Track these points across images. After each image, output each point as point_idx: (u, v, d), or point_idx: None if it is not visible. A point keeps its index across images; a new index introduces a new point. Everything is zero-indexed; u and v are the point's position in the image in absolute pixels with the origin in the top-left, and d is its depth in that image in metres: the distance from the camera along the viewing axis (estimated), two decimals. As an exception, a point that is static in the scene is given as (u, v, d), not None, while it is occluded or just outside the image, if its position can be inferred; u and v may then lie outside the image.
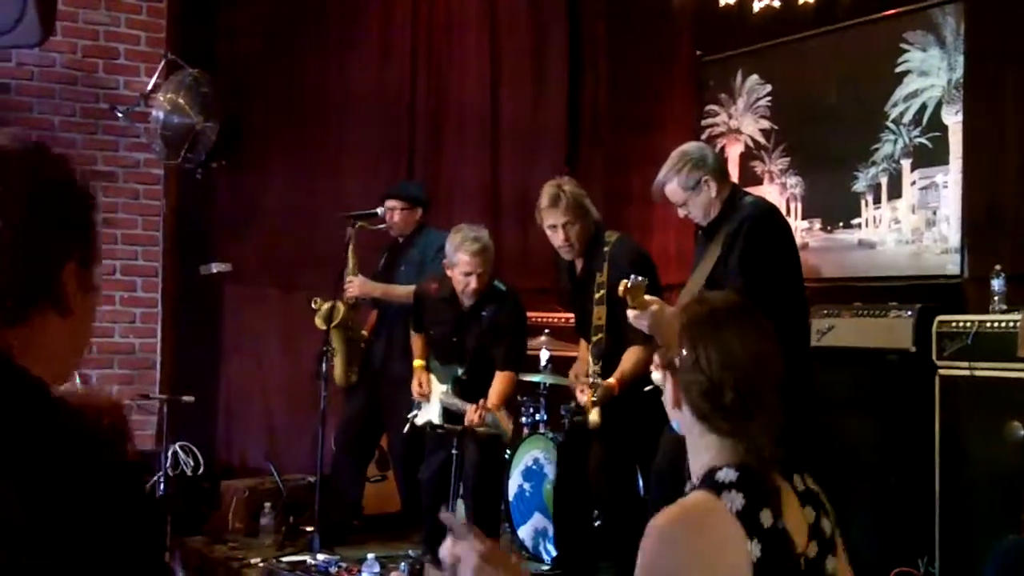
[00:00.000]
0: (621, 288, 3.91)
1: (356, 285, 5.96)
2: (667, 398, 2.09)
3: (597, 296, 4.83)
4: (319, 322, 5.93)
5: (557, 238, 4.99)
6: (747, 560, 1.85)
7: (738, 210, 4.39)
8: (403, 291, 5.85)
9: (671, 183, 4.43)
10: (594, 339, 4.79)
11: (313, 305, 5.97)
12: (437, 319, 5.47)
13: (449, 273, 5.32)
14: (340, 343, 5.99)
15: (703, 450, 2.01)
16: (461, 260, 5.21)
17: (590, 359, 4.77)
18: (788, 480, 2.02)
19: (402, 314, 5.85)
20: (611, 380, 4.68)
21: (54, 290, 1.38)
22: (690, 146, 4.63)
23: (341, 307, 5.93)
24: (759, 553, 1.86)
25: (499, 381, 5.26)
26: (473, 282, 5.22)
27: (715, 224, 4.44)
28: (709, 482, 1.94)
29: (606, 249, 4.91)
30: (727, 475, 1.93)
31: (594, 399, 4.55)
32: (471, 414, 5.09)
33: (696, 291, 4.33)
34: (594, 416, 4.61)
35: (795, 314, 4.43)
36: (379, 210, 5.95)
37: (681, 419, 2.06)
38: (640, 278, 3.91)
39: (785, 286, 4.37)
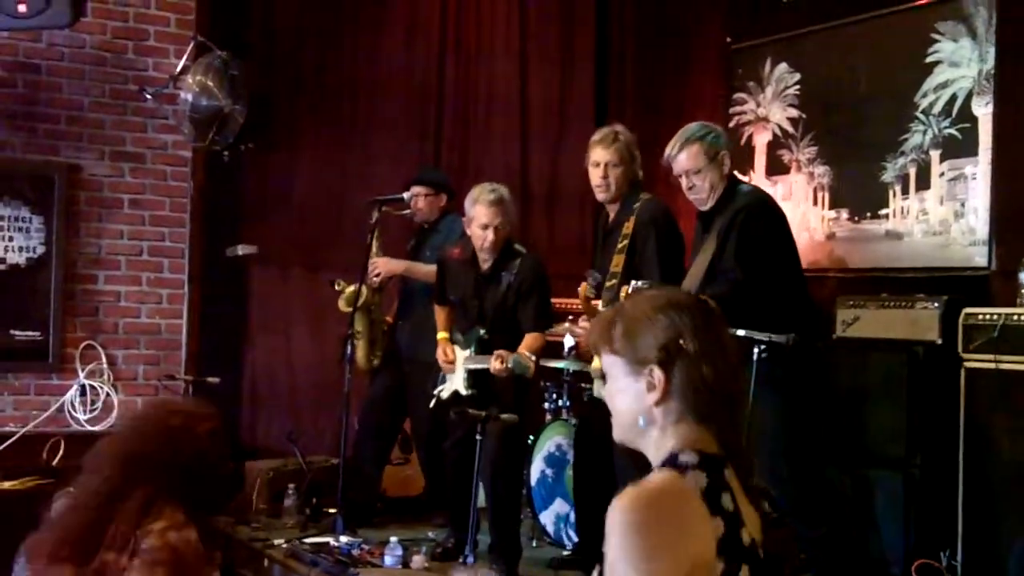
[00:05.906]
0: (622, 294, 3.97)
1: (381, 264, 5.99)
2: (639, 389, 2.03)
3: (619, 246, 4.85)
4: (342, 304, 5.96)
5: (597, 175, 4.99)
6: (713, 536, 1.85)
7: (733, 199, 4.49)
8: (427, 269, 5.85)
9: (693, 147, 4.50)
10: (607, 284, 4.80)
11: (336, 287, 6.00)
12: (458, 283, 5.40)
13: (468, 231, 5.26)
14: (363, 326, 6.02)
15: (670, 438, 1.98)
16: (478, 212, 5.15)
17: (600, 303, 4.77)
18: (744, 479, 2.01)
19: (426, 296, 5.84)
20: None
21: None
22: (703, 123, 4.70)
23: (365, 290, 5.95)
24: (723, 530, 1.86)
25: (529, 339, 5.15)
26: (490, 235, 5.13)
27: (711, 214, 4.54)
28: (672, 463, 1.92)
29: (636, 205, 4.93)
30: (689, 458, 1.91)
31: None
32: (494, 363, 4.96)
33: (696, 284, 4.35)
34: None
35: (795, 299, 4.48)
36: (405, 195, 5.97)
37: (648, 409, 2.02)
38: (640, 283, 3.99)
39: (783, 274, 4.47)
